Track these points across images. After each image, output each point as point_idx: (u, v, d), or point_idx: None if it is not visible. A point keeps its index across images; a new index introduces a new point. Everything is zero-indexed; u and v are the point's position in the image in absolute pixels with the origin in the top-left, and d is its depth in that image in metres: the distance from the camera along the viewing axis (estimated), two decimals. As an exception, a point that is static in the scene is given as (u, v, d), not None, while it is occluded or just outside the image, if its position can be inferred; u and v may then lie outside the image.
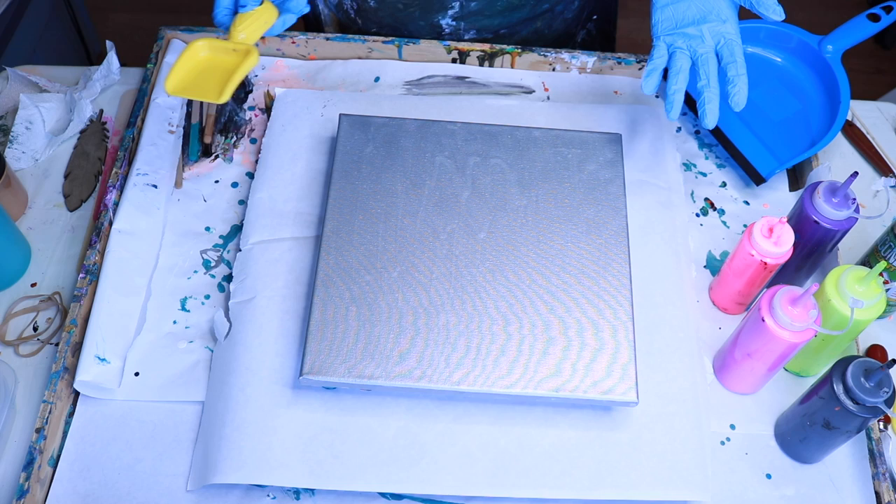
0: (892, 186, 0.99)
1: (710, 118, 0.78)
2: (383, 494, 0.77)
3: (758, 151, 0.95)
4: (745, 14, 0.84)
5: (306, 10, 0.79)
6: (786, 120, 0.98)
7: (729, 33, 0.79)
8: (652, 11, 0.82)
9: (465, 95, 1.02)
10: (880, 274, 0.83)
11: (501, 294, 0.79)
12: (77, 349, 0.81)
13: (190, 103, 1.00)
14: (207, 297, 0.86)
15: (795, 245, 0.79)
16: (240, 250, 0.86)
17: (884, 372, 0.69)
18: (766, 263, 0.78)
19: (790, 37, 1.00)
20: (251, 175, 0.95)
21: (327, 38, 1.02)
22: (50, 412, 0.76)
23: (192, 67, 0.78)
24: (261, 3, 0.77)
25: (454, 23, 1.02)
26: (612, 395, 0.75)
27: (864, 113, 1.06)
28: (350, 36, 1.02)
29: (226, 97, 0.75)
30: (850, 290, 0.74)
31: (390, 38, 1.02)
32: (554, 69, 1.05)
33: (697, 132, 1.02)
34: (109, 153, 0.97)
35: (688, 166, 0.98)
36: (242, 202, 0.93)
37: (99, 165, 0.96)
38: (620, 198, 0.86)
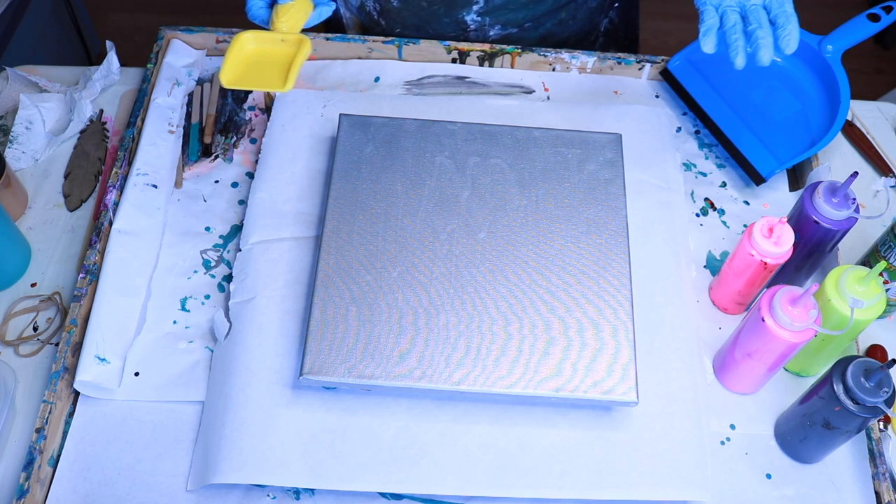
0: (892, 186, 0.99)
1: (765, 52, 0.77)
2: (383, 494, 0.77)
3: (758, 151, 0.95)
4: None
5: (331, 5, 0.81)
6: (786, 120, 0.98)
7: None
8: None
9: (465, 95, 1.02)
10: (880, 274, 0.83)
11: (501, 294, 0.79)
12: (77, 349, 0.81)
13: (190, 103, 1.00)
14: (207, 297, 0.86)
15: (795, 245, 0.79)
16: (240, 250, 0.86)
17: (884, 372, 0.69)
18: (766, 263, 0.78)
19: (790, 37, 1.00)
20: (251, 175, 0.95)
21: (327, 38, 1.02)
22: (50, 412, 0.76)
23: (243, 60, 0.80)
24: None
25: (479, 18, 1.02)
26: (613, 395, 0.75)
27: (864, 113, 1.06)
28: (350, 36, 1.02)
29: (290, 85, 0.77)
30: (850, 290, 0.74)
31: (390, 38, 1.02)
32: (554, 69, 1.05)
33: (697, 132, 1.02)
34: (109, 153, 0.97)
35: (688, 166, 0.98)
36: (242, 202, 0.93)
37: (99, 165, 0.96)
38: (620, 198, 0.86)
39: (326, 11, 0.81)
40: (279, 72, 0.79)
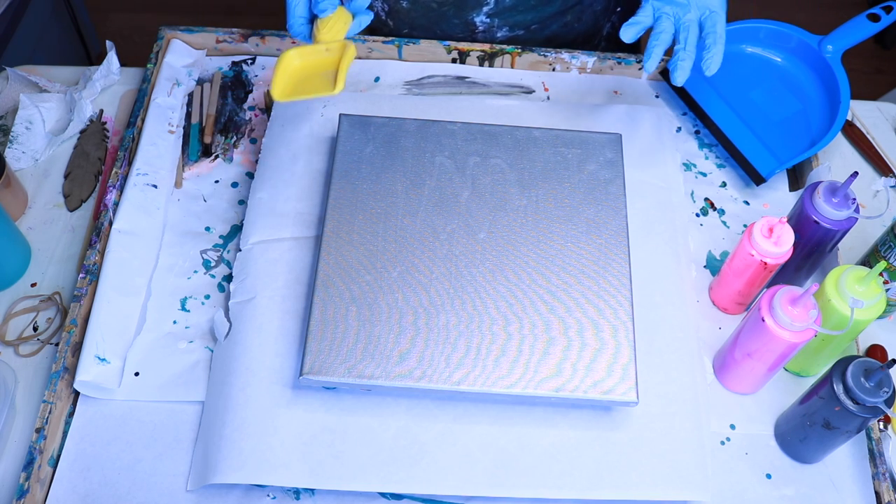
0: (892, 186, 0.99)
1: (681, 73, 0.83)
2: (383, 494, 0.77)
3: (758, 151, 0.95)
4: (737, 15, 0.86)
5: (370, 14, 0.82)
6: (786, 120, 0.98)
7: (714, 6, 0.83)
8: None
9: (465, 95, 1.02)
10: (880, 274, 0.83)
11: (501, 294, 0.79)
12: (77, 349, 0.81)
13: (190, 103, 1.00)
14: (207, 297, 0.86)
15: (795, 245, 0.79)
16: (240, 250, 0.86)
17: (884, 372, 0.69)
18: (766, 263, 0.78)
19: (790, 37, 1.00)
20: (251, 175, 0.95)
21: (327, 38, 1.02)
22: (50, 412, 0.76)
23: (292, 75, 0.81)
24: (337, 8, 0.79)
25: (488, 20, 1.02)
26: (613, 395, 0.75)
27: (864, 113, 1.06)
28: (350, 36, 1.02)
29: (340, 86, 0.78)
30: (850, 290, 0.74)
31: (390, 38, 1.02)
32: (554, 69, 1.05)
33: (697, 132, 1.02)
34: (109, 153, 0.97)
35: (688, 166, 0.98)
36: (242, 202, 0.93)
37: (99, 165, 0.96)
38: (620, 198, 0.86)
39: (366, 20, 0.81)
40: (327, 78, 0.80)
